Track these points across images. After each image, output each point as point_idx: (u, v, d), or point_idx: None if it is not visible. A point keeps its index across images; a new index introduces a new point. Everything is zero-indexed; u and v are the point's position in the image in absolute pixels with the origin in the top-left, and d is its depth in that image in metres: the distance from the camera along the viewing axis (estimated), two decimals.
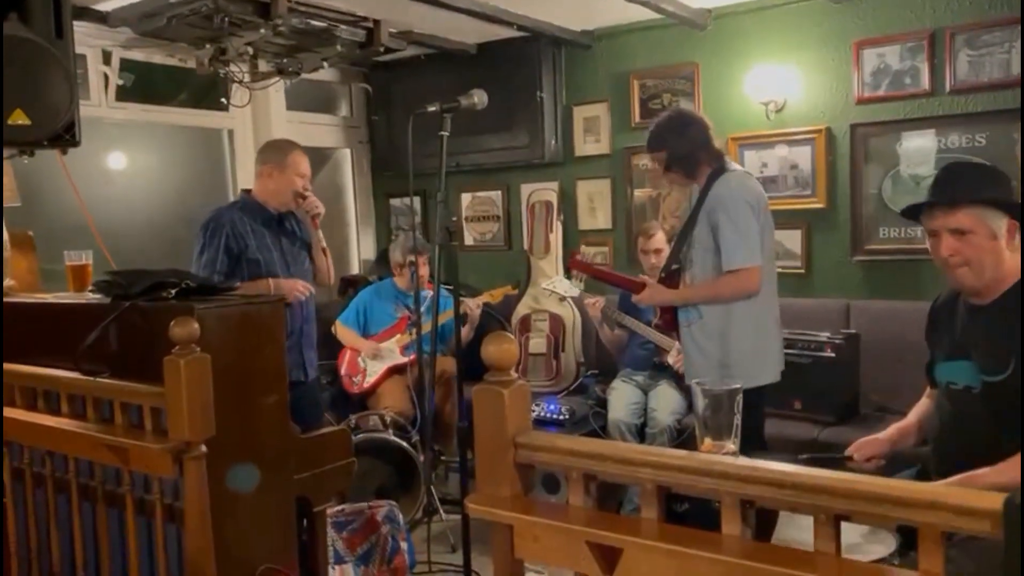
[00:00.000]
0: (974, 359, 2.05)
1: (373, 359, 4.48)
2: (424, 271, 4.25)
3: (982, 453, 1.92)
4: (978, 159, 3.59)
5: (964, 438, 2.05)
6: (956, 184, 2.07)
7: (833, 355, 3.79)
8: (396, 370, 4.47)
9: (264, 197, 3.36)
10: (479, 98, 2.68)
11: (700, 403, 1.50)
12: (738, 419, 1.46)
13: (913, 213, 2.14)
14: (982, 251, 2.00)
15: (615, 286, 3.45)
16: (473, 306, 4.32)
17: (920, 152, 4.01)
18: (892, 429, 2.34)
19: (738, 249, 2.88)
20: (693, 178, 3.04)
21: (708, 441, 1.48)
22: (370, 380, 4.46)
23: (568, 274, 3.61)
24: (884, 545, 1.81)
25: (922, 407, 2.37)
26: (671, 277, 3.15)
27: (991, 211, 2.00)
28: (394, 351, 4.50)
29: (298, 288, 3.29)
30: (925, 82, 3.97)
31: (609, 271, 3.56)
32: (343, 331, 4.60)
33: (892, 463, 2.28)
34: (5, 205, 3.13)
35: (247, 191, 3.47)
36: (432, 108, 2.61)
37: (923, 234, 3.91)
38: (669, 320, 3.18)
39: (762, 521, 1.22)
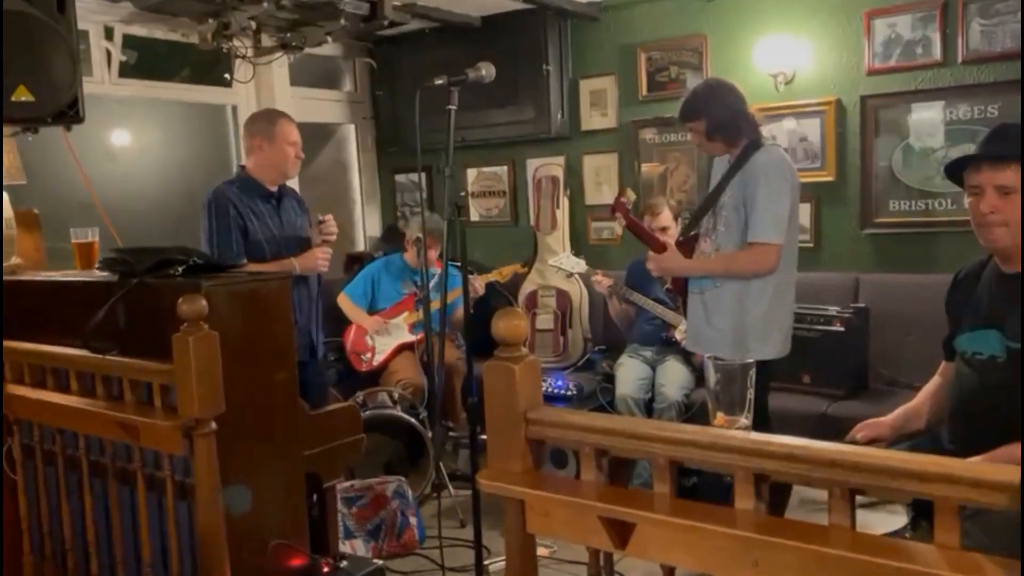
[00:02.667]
0: (1002, 327, 2.03)
1: (381, 336, 4.47)
2: (433, 254, 4.22)
3: (1004, 422, 1.91)
4: None
5: (986, 407, 2.04)
6: (1008, 141, 2.04)
7: (842, 329, 3.78)
8: (405, 347, 4.47)
9: (259, 173, 3.31)
10: (487, 71, 2.64)
11: (712, 377, 1.49)
12: (751, 394, 1.45)
13: (957, 169, 2.11)
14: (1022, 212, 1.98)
15: (643, 241, 3.39)
16: (476, 287, 4.29)
17: (931, 124, 3.97)
18: (899, 412, 2.32)
19: (767, 222, 2.85)
20: (734, 146, 2.99)
21: (720, 416, 1.47)
22: (379, 358, 4.46)
23: (613, 216, 3.50)
24: (896, 520, 1.81)
25: (932, 387, 2.35)
26: (687, 243, 3.12)
27: None
28: (402, 328, 4.49)
29: (319, 258, 3.29)
30: (937, 52, 3.91)
31: (642, 225, 3.48)
32: (348, 305, 4.58)
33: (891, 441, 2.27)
34: (10, 183, 3.12)
35: (243, 167, 3.42)
36: (440, 81, 2.58)
37: (932, 207, 3.96)
38: (680, 285, 3.15)
39: (775, 495, 1.22)
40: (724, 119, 2.94)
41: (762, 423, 2.95)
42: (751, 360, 1.47)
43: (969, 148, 2.21)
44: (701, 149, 3.18)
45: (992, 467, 1.01)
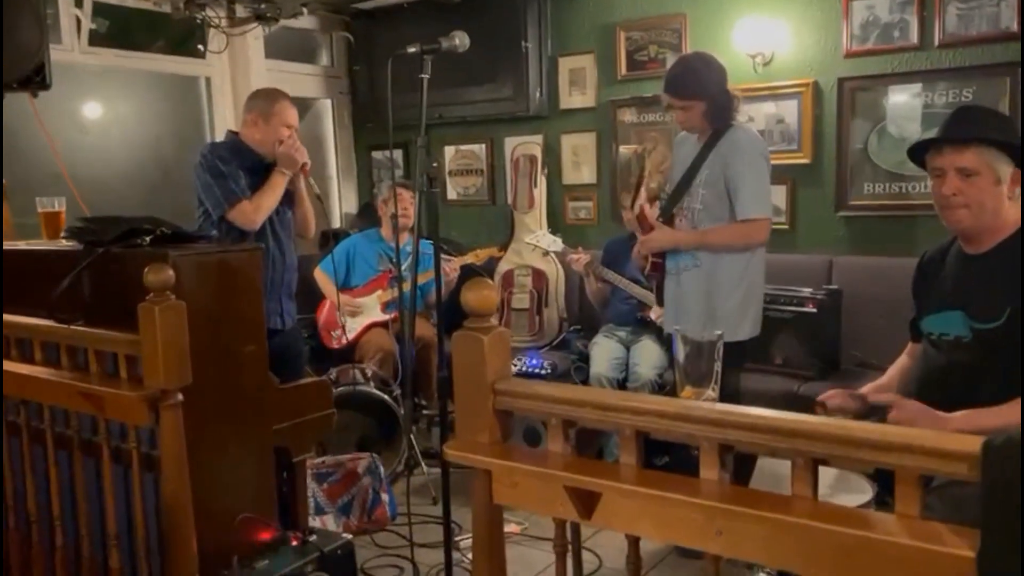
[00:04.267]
0: (966, 308, 2.05)
1: (353, 316, 4.44)
2: (410, 208, 4.18)
3: (970, 401, 1.93)
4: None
5: (952, 387, 2.06)
6: (968, 124, 2.06)
7: (815, 310, 3.80)
8: (377, 325, 4.44)
9: (250, 144, 3.29)
10: (460, 40, 2.60)
11: (680, 351, 1.49)
12: (718, 367, 1.46)
13: (919, 152, 2.13)
14: (984, 194, 2.00)
15: (640, 225, 3.33)
16: (449, 269, 4.25)
17: (907, 107, 3.99)
18: (869, 388, 2.34)
19: (756, 198, 2.88)
20: (716, 126, 2.96)
21: (688, 389, 1.47)
22: (350, 335, 4.43)
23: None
24: (861, 494, 1.83)
25: (900, 366, 2.37)
26: (665, 224, 3.10)
27: (999, 155, 2.00)
28: (374, 307, 4.46)
29: (292, 149, 3.24)
30: (914, 35, 3.93)
31: (647, 212, 3.40)
32: (323, 280, 4.54)
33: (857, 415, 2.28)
34: None
35: (235, 132, 3.38)
36: (412, 49, 2.53)
37: (907, 190, 3.99)
38: (660, 269, 3.14)
39: (741, 466, 1.22)
40: (723, 101, 2.92)
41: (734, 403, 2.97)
42: (719, 333, 1.47)
43: None
44: (685, 125, 3.06)
45: (952, 437, 1.02)
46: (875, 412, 2.16)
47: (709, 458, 1.18)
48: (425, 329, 4.28)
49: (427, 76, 2.54)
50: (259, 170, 3.26)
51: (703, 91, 2.91)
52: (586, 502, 1.27)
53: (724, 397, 1.54)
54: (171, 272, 1.87)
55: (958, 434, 1.01)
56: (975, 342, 2.04)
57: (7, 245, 2.63)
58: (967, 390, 2.03)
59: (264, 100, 3.31)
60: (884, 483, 1.76)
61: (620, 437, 1.27)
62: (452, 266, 4.25)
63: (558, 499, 1.29)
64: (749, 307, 3.01)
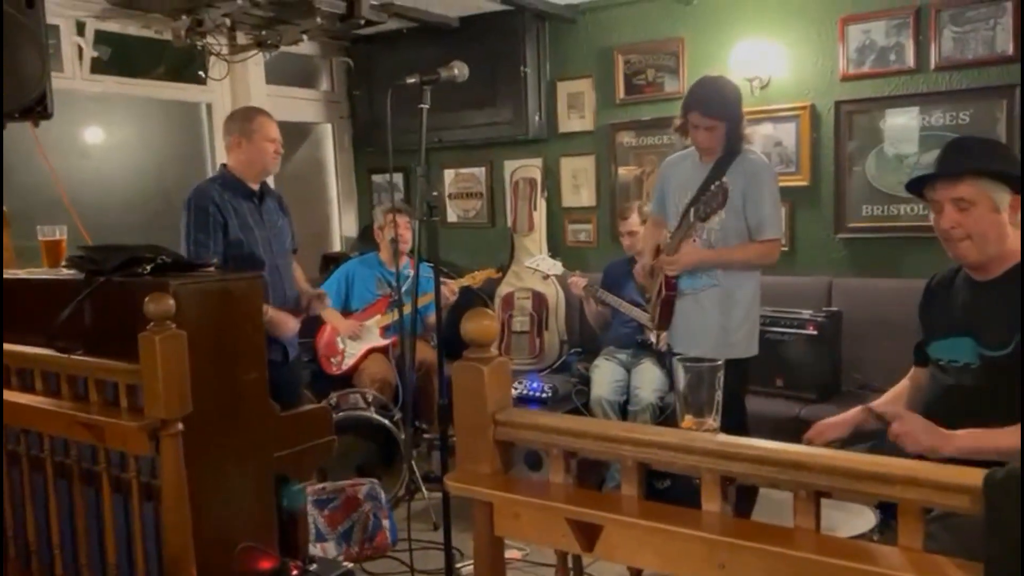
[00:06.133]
0: (975, 335, 2.05)
1: (353, 340, 4.43)
2: (406, 233, 4.20)
3: (978, 426, 1.92)
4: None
5: (958, 413, 2.05)
6: (960, 156, 2.06)
7: (815, 332, 3.80)
8: (376, 351, 4.44)
9: (240, 170, 3.28)
10: (460, 70, 2.62)
11: (681, 380, 1.49)
12: (719, 396, 1.45)
13: (917, 186, 2.13)
14: (984, 224, 2.00)
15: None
16: (448, 293, 4.24)
17: (904, 129, 4.01)
18: (857, 410, 2.32)
19: (775, 220, 3.02)
20: (730, 149, 3.00)
21: (689, 418, 1.47)
22: (349, 362, 4.41)
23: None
24: (864, 521, 1.82)
25: (900, 389, 2.36)
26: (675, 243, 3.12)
27: (994, 184, 1.99)
28: (374, 331, 4.45)
29: (289, 325, 3.24)
30: (910, 59, 3.95)
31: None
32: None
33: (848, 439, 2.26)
34: None
35: (224, 165, 3.39)
36: (411, 80, 2.55)
37: (905, 212, 4.00)
38: (675, 285, 3.12)
39: (743, 498, 1.22)
40: (741, 124, 3.01)
41: (739, 425, 2.98)
42: (719, 362, 1.47)
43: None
44: (703, 145, 3.04)
45: (955, 470, 1.02)
46: (866, 436, 2.15)
47: (711, 490, 1.18)
48: (426, 352, 4.28)
49: (427, 106, 2.55)
50: (254, 198, 3.28)
51: (730, 112, 2.97)
52: (588, 534, 1.26)
53: (731, 421, 1.54)
54: (172, 301, 1.87)
55: (960, 467, 1.01)
56: (983, 369, 2.03)
57: (7, 273, 2.63)
58: (973, 417, 2.01)
59: (242, 120, 3.31)
60: (887, 510, 1.76)
61: (622, 468, 1.27)
62: (451, 288, 4.26)
63: (560, 531, 1.29)
64: (755, 325, 3.12)
